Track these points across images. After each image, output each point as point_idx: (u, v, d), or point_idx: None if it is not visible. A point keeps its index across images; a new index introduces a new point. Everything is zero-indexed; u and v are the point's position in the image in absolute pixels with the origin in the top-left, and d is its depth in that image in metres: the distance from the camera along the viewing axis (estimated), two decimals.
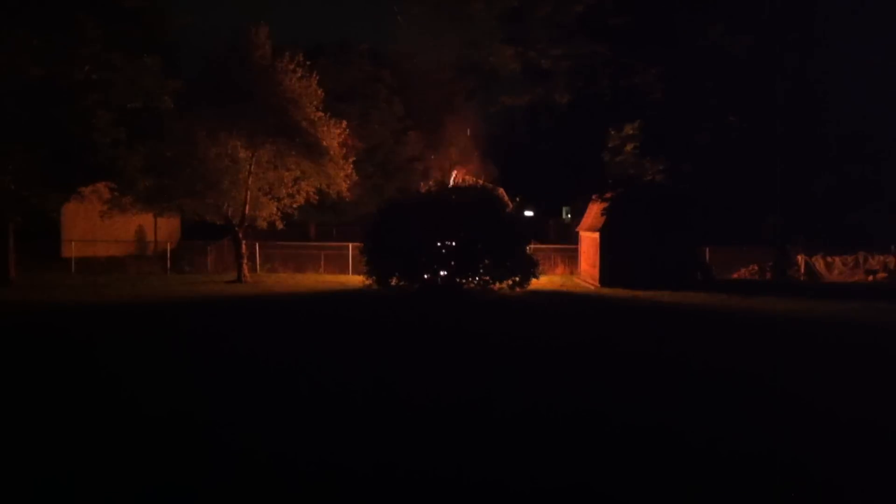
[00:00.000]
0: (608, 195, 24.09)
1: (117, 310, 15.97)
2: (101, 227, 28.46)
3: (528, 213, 41.77)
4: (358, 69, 36.85)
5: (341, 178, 24.32)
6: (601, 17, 25.44)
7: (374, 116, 36.12)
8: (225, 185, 23.17)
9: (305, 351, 10.76)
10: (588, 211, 26.45)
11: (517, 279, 20.08)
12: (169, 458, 5.55)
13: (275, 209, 24.14)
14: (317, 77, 23.90)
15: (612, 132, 26.13)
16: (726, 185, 24.84)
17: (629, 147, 25.77)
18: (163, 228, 34.87)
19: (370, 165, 33.85)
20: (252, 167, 23.35)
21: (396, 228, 19.72)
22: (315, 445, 5.91)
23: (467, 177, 25.22)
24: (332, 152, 23.66)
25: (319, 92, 23.87)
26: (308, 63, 23.81)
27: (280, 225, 24.53)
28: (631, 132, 25.66)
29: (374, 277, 19.90)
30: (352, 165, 24.74)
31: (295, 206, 24.44)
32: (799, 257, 26.54)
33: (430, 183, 22.87)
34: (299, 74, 23.39)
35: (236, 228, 23.89)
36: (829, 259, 26.56)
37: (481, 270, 20.05)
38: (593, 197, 25.58)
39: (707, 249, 25.75)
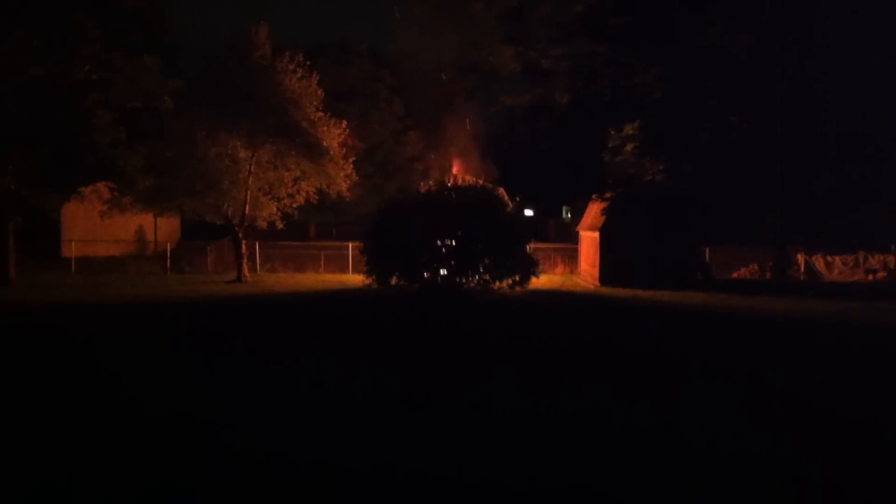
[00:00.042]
0: (608, 195, 24.09)
1: (117, 310, 15.97)
2: (101, 227, 28.46)
3: (528, 213, 41.79)
4: (358, 69, 36.87)
5: (341, 178, 24.32)
6: (601, 17, 25.42)
7: (374, 116, 36.15)
8: (225, 185, 23.17)
9: (305, 351, 10.76)
10: (588, 210, 26.44)
11: (517, 278, 20.09)
12: (169, 458, 5.55)
13: (275, 209, 24.14)
14: (317, 77, 23.90)
15: (612, 132, 26.13)
16: (726, 185, 24.83)
17: (629, 147, 25.77)
18: (163, 228, 34.89)
19: (370, 165, 33.88)
20: (252, 167, 23.35)
21: (396, 228, 19.72)
22: (315, 445, 5.91)
23: (467, 176, 25.20)
24: (332, 152, 23.66)
25: (319, 92, 23.87)
26: (308, 63, 23.81)
27: (280, 225, 24.54)
28: (631, 132, 25.66)
29: (373, 277, 19.91)
30: (352, 165, 24.74)
31: (295, 206, 24.45)
32: (799, 256, 26.55)
33: (430, 182, 22.85)
34: (299, 74, 23.39)
35: (236, 228, 23.89)
36: (829, 258, 26.56)
37: (481, 270, 20.05)
38: (593, 196, 25.57)
39: (707, 249, 25.76)
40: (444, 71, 36.65)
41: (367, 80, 36.81)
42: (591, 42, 26.20)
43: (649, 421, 6.73)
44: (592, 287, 22.93)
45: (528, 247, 21.18)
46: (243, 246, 23.90)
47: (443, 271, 20.07)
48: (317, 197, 24.83)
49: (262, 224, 24.39)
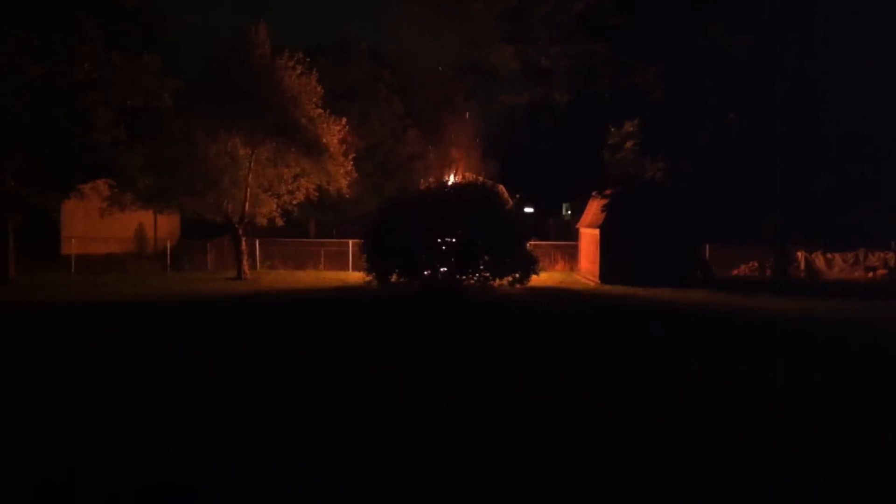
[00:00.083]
0: (608, 192, 24.10)
1: (117, 309, 15.97)
2: (100, 225, 28.42)
3: (528, 210, 41.78)
4: (357, 68, 36.79)
5: (341, 175, 24.33)
6: (601, 17, 25.47)
7: (374, 115, 36.06)
8: (225, 184, 23.19)
9: (305, 350, 10.76)
10: (588, 207, 26.43)
11: (517, 276, 20.08)
12: (169, 458, 5.55)
13: (275, 206, 24.17)
14: (316, 74, 23.91)
15: (612, 129, 26.16)
16: (726, 185, 24.88)
17: (629, 144, 25.80)
18: (163, 226, 34.83)
19: (370, 164, 33.81)
20: (252, 165, 23.36)
21: (396, 226, 19.71)
22: (315, 445, 5.92)
23: (467, 174, 25.17)
24: (331, 149, 23.67)
25: (319, 89, 23.87)
26: (308, 61, 23.82)
27: (280, 222, 24.56)
28: (630, 129, 25.69)
29: (374, 275, 19.91)
30: (351, 162, 24.75)
31: (295, 202, 24.47)
32: (799, 254, 26.54)
33: (430, 181, 22.85)
34: (299, 71, 23.38)
35: (236, 226, 23.90)
36: (829, 256, 26.56)
37: (481, 268, 20.04)
38: (594, 193, 25.58)
39: (707, 247, 25.76)
40: (443, 70, 36.63)
41: (366, 80, 36.73)
42: (590, 41, 26.24)
43: (649, 421, 6.74)
44: (592, 285, 22.93)
45: (527, 244, 21.17)
46: (243, 243, 23.92)
47: (443, 269, 20.06)
48: (317, 195, 24.84)
49: (262, 221, 24.40)
